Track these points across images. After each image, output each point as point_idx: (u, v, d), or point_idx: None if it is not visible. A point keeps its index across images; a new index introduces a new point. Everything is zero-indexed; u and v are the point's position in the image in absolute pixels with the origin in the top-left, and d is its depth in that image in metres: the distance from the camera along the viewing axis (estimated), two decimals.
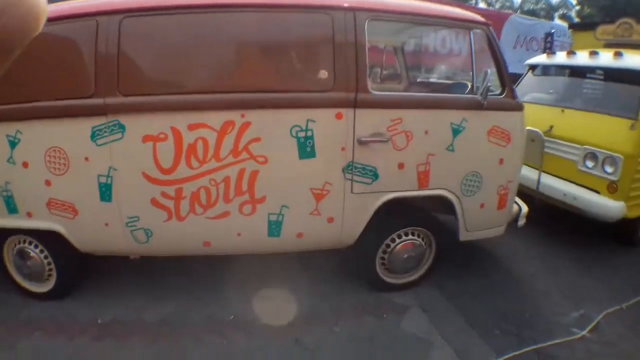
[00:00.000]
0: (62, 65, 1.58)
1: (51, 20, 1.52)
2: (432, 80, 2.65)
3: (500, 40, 10.52)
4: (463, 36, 2.91)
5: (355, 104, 1.77)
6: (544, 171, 2.66)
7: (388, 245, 2.10)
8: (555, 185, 2.81)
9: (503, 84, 2.05)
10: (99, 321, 1.77)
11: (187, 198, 1.73)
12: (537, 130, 2.75)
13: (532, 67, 3.32)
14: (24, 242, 1.79)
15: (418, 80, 2.53)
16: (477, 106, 1.93)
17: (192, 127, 1.66)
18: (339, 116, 1.77)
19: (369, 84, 1.79)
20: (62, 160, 1.60)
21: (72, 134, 1.59)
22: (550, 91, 3.16)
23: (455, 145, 1.95)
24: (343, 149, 1.81)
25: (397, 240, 2.10)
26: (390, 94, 1.96)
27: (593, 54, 2.79)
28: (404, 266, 2.17)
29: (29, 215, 1.69)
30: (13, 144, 1.57)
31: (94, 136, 1.59)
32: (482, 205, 2.12)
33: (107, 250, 1.81)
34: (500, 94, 2.05)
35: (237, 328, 1.89)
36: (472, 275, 2.46)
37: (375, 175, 1.89)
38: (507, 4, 23.21)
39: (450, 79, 2.64)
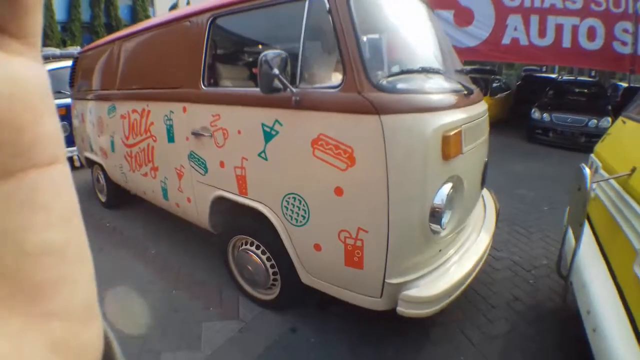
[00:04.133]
0: (101, 71, 3.03)
1: (92, 49, 2.98)
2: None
3: None
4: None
5: (191, 99, 2.04)
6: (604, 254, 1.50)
7: (239, 246, 2.15)
8: (588, 286, 1.45)
9: (344, 71, 1.44)
10: (107, 225, 3.20)
11: (134, 158, 2.76)
12: (585, 169, 1.51)
13: None
14: (99, 171, 3.49)
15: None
16: (288, 103, 1.55)
17: (132, 111, 2.63)
18: (184, 109, 2.12)
19: (202, 80, 1.97)
20: (100, 124, 3.09)
21: (103, 110, 3.02)
22: None
23: (267, 153, 1.71)
24: (187, 138, 2.13)
25: (244, 246, 2.10)
26: (211, 90, 1.93)
27: None
28: (248, 277, 2.12)
29: (95, 154, 3.36)
30: (89, 113, 3.24)
31: (108, 112, 2.95)
32: (317, 247, 1.64)
33: (119, 182, 3.19)
34: (337, 87, 1.47)
35: (145, 261, 2.74)
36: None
37: (205, 169, 2.06)
38: None
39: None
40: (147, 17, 14.51)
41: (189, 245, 2.85)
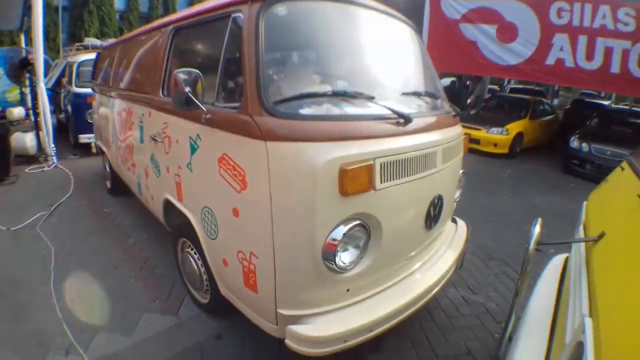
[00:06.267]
0: (109, 69, 3.41)
1: (108, 47, 3.35)
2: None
3: None
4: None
5: (153, 105, 2.24)
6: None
7: (185, 248, 2.27)
8: None
9: (244, 92, 1.42)
10: (105, 210, 3.60)
11: (123, 152, 3.06)
12: (536, 225, 1.35)
13: None
14: (107, 159, 3.86)
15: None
16: (203, 120, 1.60)
17: (123, 110, 2.91)
18: (150, 114, 2.32)
19: (161, 89, 2.15)
20: (106, 117, 3.46)
21: (107, 104, 3.38)
22: None
23: (192, 165, 1.83)
24: (150, 141, 2.33)
25: (187, 248, 2.22)
26: (164, 99, 2.05)
27: None
28: (189, 278, 2.25)
29: (103, 143, 3.79)
30: (101, 105, 3.66)
31: (111, 107, 3.29)
32: (224, 262, 1.69)
33: (117, 171, 3.55)
34: (236, 108, 1.47)
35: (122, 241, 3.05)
36: None
37: (159, 171, 2.24)
38: None
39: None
40: None
41: (165, 240, 3.08)
